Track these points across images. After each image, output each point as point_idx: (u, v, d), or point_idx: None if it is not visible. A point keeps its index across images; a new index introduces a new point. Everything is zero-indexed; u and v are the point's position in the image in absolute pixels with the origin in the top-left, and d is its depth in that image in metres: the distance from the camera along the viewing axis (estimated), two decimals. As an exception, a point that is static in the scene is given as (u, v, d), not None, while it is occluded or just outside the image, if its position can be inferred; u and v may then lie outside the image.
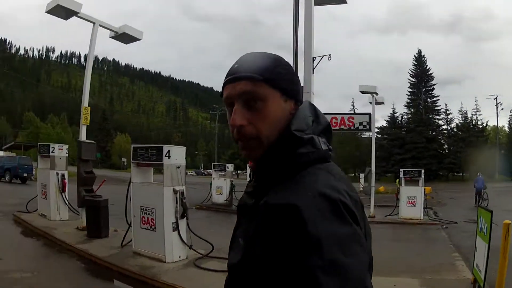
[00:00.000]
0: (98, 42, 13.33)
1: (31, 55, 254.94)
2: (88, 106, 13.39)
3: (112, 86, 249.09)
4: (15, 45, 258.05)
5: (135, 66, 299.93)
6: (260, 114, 1.33)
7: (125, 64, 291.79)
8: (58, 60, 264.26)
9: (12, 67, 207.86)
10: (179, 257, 9.34)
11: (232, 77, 1.36)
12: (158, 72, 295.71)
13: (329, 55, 9.30)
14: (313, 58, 8.63)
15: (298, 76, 1.46)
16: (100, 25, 13.18)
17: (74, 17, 12.67)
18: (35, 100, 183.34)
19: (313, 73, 8.54)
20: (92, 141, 13.95)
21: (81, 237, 11.81)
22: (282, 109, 1.36)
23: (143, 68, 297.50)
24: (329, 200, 1.16)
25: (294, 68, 8.37)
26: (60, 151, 14.62)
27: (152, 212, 9.38)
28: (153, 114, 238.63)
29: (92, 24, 13.05)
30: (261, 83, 1.32)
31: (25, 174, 36.41)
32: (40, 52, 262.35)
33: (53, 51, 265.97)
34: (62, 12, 12.39)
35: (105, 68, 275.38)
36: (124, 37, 13.93)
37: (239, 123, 1.32)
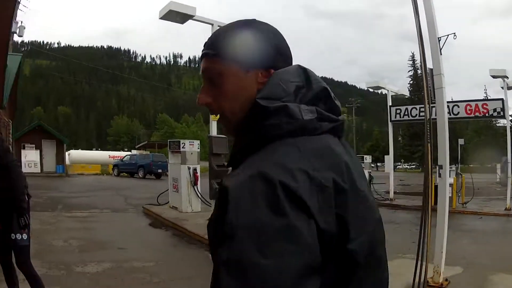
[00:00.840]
0: None
1: (159, 62, 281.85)
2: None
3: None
4: (140, 54, 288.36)
5: None
6: (220, 90, 1.25)
7: None
8: (187, 65, 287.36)
9: (141, 75, 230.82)
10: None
11: (203, 54, 1.31)
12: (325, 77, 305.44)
13: (454, 33, 8.34)
14: (438, 38, 8.04)
15: (264, 42, 1.26)
16: (218, 26, 13.20)
17: (194, 22, 13.23)
18: (167, 102, 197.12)
19: (440, 54, 7.98)
20: (223, 136, 13.73)
21: (212, 228, 11.59)
22: (242, 81, 1.23)
23: None
24: (265, 181, 0.97)
25: (421, 50, 7.52)
26: (191, 146, 15.06)
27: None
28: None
29: (210, 26, 13.35)
30: (216, 58, 1.25)
31: (159, 170, 38.43)
32: (168, 59, 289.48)
33: (181, 57, 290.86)
34: (177, 17, 12.89)
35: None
36: None
37: (202, 101, 1.30)
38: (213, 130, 13.32)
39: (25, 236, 4.89)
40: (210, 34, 1.34)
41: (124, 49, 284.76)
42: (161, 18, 12.93)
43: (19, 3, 19.84)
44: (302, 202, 0.97)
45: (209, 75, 1.26)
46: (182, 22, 13.24)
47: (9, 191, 4.72)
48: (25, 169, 33.83)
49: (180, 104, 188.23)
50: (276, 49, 1.27)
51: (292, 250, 0.92)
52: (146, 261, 8.46)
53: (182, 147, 14.88)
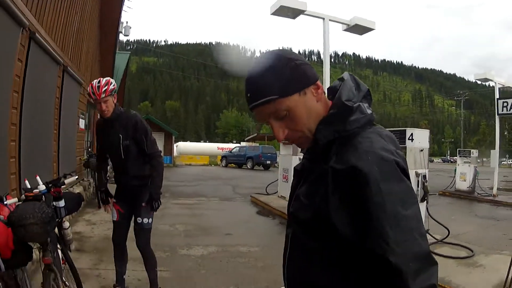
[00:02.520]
0: (336, 39, 13.39)
1: None
2: (330, 99, 13.70)
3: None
4: (249, 49, 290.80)
5: (376, 58, 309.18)
6: (292, 120, 1.55)
7: (366, 57, 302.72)
8: None
9: None
10: (413, 240, 8.75)
11: (253, 106, 1.56)
12: (400, 62, 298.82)
13: None
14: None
15: (298, 62, 1.55)
16: (330, 20, 13.44)
17: (303, 16, 13.14)
18: None
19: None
20: None
21: (317, 215, 11.68)
22: (305, 102, 1.55)
23: (384, 59, 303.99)
24: (386, 162, 1.39)
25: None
26: None
27: (392, 196, 8.96)
28: (399, 103, 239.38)
29: (322, 20, 13.40)
30: (277, 99, 1.51)
31: (268, 162, 39.23)
32: None
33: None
34: (288, 12, 12.93)
35: (346, 62, 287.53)
36: (357, 29, 13.99)
37: (283, 136, 1.59)
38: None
39: (150, 220, 5.29)
40: (248, 84, 1.57)
41: (233, 44, 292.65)
42: (272, 14, 13.06)
43: (123, 3, 20.69)
44: (405, 171, 1.44)
45: (277, 115, 1.55)
46: (294, 17, 13.27)
47: (146, 179, 5.22)
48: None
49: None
50: (308, 66, 1.59)
51: (415, 201, 1.39)
52: (251, 246, 8.58)
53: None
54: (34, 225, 3.44)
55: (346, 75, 1.69)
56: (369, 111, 1.58)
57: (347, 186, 1.38)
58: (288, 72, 1.52)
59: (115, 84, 4.96)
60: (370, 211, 1.33)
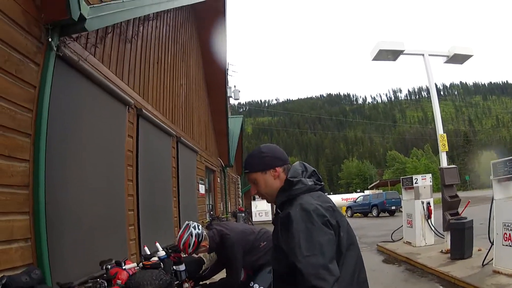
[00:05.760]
0: (443, 70, 13.15)
1: (380, 101, 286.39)
2: (444, 133, 13.50)
3: (467, 108, 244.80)
4: (360, 96, 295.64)
5: (483, 83, 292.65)
6: (258, 186, 2.72)
7: (473, 83, 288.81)
8: (408, 98, 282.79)
9: (365, 116, 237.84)
10: (538, 273, 8.49)
11: (244, 172, 2.84)
12: (505, 81, 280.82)
13: None
14: None
15: (264, 155, 2.71)
16: (429, 55, 13.56)
17: (403, 55, 13.44)
18: (395, 139, 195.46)
19: None
20: (453, 166, 13.85)
21: (443, 260, 11.66)
22: (265, 178, 2.68)
23: (491, 82, 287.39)
24: (304, 211, 2.37)
25: None
26: (423, 181, 15.04)
27: (514, 228, 8.82)
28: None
29: (421, 56, 13.52)
30: (250, 173, 2.73)
31: (393, 207, 38.03)
32: (388, 95, 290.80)
33: (400, 91, 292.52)
34: (388, 55, 13.37)
35: (456, 93, 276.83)
36: (457, 58, 13.92)
37: (253, 193, 2.82)
38: (443, 162, 13.20)
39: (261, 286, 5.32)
40: (245, 160, 2.81)
41: (344, 94, 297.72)
42: (373, 60, 13.54)
43: (227, 69, 21.59)
44: (323, 214, 2.36)
45: (252, 181, 2.72)
46: (394, 59, 13.60)
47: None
48: (256, 218, 37.62)
49: (407, 139, 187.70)
50: (274, 157, 2.69)
51: (322, 234, 2.28)
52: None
53: (415, 183, 14.93)
54: (152, 291, 3.64)
55: (297, 163, 2.73)
56: (310, 183, 2.57)
57: (284, 224, 2.41)
58: (257, 159, 2.69)
59: (196, 235, 4.79)
60: (290, 238, 2.31)
